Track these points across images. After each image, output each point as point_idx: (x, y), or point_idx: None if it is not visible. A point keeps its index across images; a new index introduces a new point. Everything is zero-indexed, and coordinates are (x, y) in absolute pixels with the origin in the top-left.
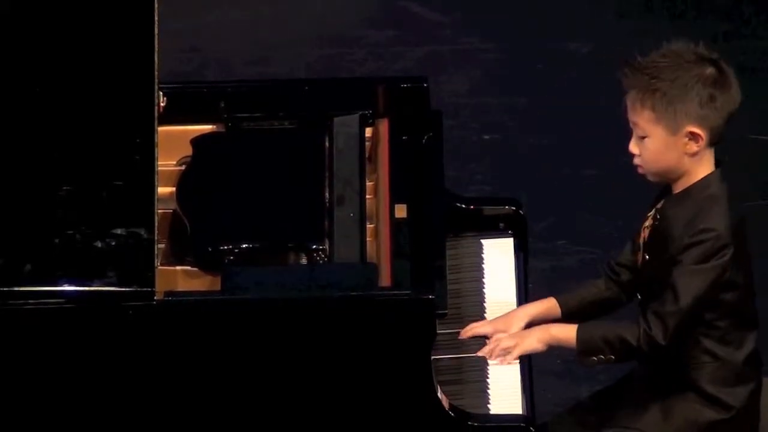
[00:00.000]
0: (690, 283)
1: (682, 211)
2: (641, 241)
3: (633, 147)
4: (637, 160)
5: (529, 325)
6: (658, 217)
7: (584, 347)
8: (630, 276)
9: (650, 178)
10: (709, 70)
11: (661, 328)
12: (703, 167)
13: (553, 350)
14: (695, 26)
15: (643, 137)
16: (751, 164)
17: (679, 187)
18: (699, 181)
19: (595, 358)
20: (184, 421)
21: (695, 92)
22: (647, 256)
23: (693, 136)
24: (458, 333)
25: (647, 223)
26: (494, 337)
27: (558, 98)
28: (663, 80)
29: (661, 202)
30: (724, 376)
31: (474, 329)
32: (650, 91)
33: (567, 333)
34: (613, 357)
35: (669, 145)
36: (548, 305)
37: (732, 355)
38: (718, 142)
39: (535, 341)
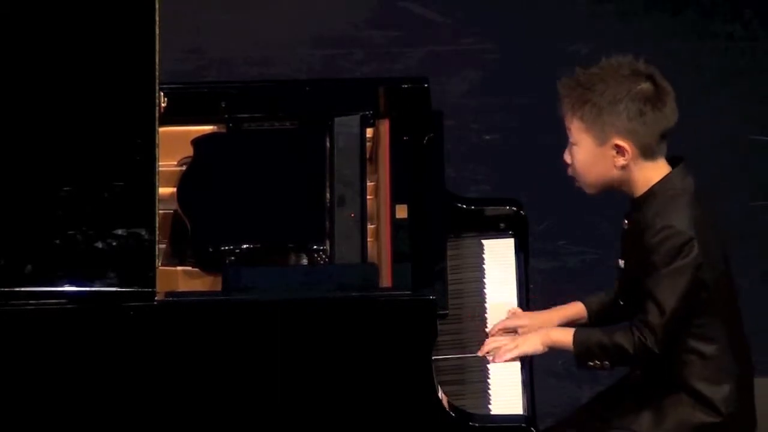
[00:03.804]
0: (667, 288)
1: (646, 213)
2: (621, 248)
3: (566, 155)
4: (570, 171)
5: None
6: (626, 222)
7: (581, 351)
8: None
9: (585, 189)
10: (643, 86)
11: (653, 339)
12: (650, 174)
13: (554, 351)
14: (695, 27)
15: (574, 144)
16: (751, 164)
17: (637, 192)
18: (659, 181)
19: (591, 363)
20: (185, 421)
21: (624, 106)
22: (622, 262)
23: (619, 149)
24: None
25: (622, 233)
26: (493, 338)
27: (559, 99)
28: (594, 91)
29: (628, 210)
30: (711, 373)
31: (504, 323)
32: (581, 101)
33: (565, 336)
34: (608, 363)
35: (596, 156)
36: (576, 310)
37: (717, 351)
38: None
39: (537, 343)
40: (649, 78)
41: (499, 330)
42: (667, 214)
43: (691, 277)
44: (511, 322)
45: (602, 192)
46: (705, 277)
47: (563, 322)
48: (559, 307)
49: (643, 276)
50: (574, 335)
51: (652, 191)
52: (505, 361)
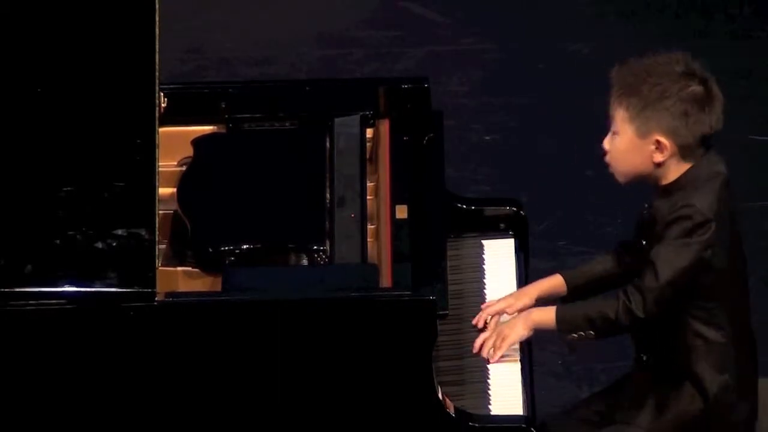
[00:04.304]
0: (669, 258)
1: (670, 200)
2: (641, 226)
3: (606, 142)
4: (607, 158)
5: (538, 301)
6: (647, 207)
7: (564, 326)
8: (631, 257)
9: (619, 179)
10: (694, 88)
11: (640, 301)
12: (682, 169)
13: (554, 351)
14: (695, 26)
15: (615, 133)
16: (751, 164)
17: (665, 182)
18: (686, 171)
19: (576, 335)
20: (185, 421)
21: (671, 103)
22: (644, 242)
23: (659, 146)
24: (459, 332)
25: (645, 211)
26: (481, 336)
27: (559, 99)
28: (645, 83)
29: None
30: (714, 359)
31: (487, 310)
32: (630, 91)
33: (547, 314)
34: (592, 332)
35: (635, 148)
36: (555, 282)
37: (722, 339)
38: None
39: (521, 329)
40: (702, 81)
41: (484, 317)
42: (692, 196)
43: (697, 255)
44: (493, 308)
45: (632, 182)
46: (714, 261)
47: (543, 295)
48: (537, 282)
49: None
50: (556, 311)
51: (678, 181)
52: (501, 358)
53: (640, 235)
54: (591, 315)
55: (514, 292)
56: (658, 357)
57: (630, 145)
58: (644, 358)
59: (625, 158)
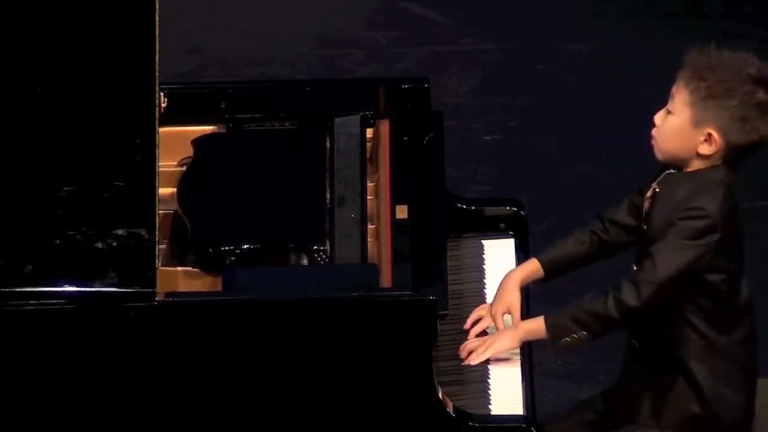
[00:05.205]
0: (670, 256)
1: (682, 189)
2: (644, 210)
3: (658, 117)
4: (654, 131)
5: (521, 290)
6: (657, 189)
7: (555, 332)
8: (620, 236)
9: (658, 155)
10: (761, 95)
11: (634, 293)
12: (710, 164)
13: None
14: (695, 26)
15: (670, 112)
16: (751, 164)
17: (687, 168)
18: (707, 168)
19: (568, 339)
20: (186, 421)
21: (733, 103)
22: (645, 227)
23: (709, 138)
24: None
25: (649, 194)
26: (466, 342)
27: (559, 99)
28: (715, 74)
29: (664, 174)
30: (710, 356)
31: (474, 316)
32: (699, 77)
33: (536, 323)
34: (585, 333)
35: (686, 133)
36: (532, 267)
37: (719, 338)
38: (734, 162)
39: (508, 341)
40: None
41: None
42: (701, 197)
43: (698, 257)
44: (484, 323)
45: (668, 162)
46: (716, 262)
47: (524, 283)
48: (513, 272)
49: (655, 240)
50: (545, 319)
51: (698, 172)
52: (501, 360)
53: (645, 217)
54: (580, 316)
55: (496, 295)
56: (652, 345)
57: (681, 128)
58: (636, 345)
59: (672, 138)
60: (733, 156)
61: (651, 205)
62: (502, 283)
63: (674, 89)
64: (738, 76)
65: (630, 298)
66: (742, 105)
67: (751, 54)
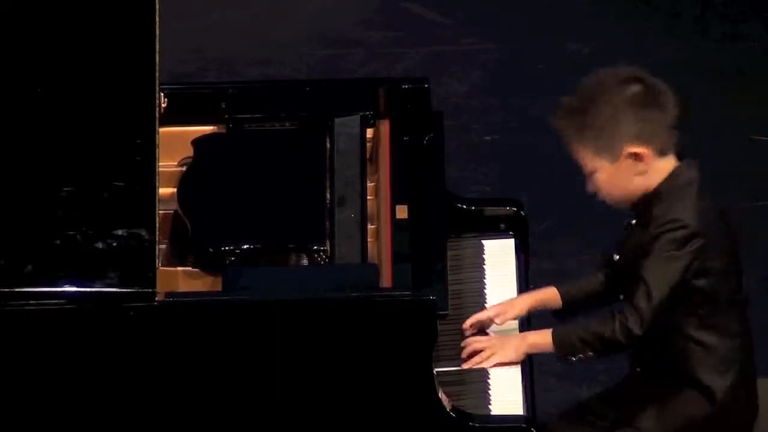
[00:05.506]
0: (659, 273)
1: (653, 209)
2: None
3: (589, 186)
4: (600, 197)
5: (530, 312)
6: (633, 222)
7: (562, 350)
8: (609, 269)
9: (623, 206)
10: (633, 89)
11: (637, 320)
12: (661, 170)
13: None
14: (695, 26)
15: (591, 173)
16: (751, 164)
17: (648, 191)
18: (666, 178)
19: (574, 358)
20: (186, 421)
21: (623, 115)
22: (617, 256)
23: (635, 156)
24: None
25: (626, 228)
26: (470, 339)
27: (559, 99)
28: (588, 115)
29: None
30: (714, 363)
31: (475, 317)
32: (580, 129)
33: (543, 338)
34: (591, 353)
35: (616, 173)
36: (549, 295)
37: (718, 342)
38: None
39: (512, 352)
40: (637, 80)
41: (473, 324)
42: (674, 209)
43: (686, 266)
44: (483, 314)
45: (636, 202)
46: (706, 266)
47: (536, 306)
48: (531, 293)
49: (639, 260)
50: (552, 335)
51: (658, 189)
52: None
53: (617, 247)
54: (588, 338)
55: (507, 300)
56: (657, 366)
57: (610, 173)
58: (638, 370)
59: (613, 188)
60: (666, 144)
61: (627, 234)
62: (513, 298)
63: (575, 155)
64: (604, 96)
65: (635, 325)
66: (629, 108)
67: (597, 71)
